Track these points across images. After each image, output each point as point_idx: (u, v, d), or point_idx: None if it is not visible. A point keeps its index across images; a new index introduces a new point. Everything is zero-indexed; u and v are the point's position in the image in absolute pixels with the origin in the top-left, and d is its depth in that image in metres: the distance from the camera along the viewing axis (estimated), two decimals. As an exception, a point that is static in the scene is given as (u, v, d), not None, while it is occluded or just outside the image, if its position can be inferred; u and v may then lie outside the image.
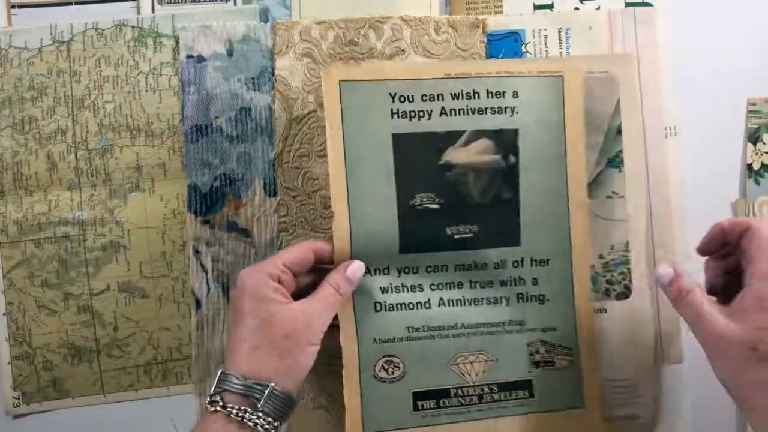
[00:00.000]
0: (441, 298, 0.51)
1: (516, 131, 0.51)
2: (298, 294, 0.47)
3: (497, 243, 0.51)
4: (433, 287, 0.51)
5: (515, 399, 0.52)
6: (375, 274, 0.50)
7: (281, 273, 0.46)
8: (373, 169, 0.50)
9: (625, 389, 0.55)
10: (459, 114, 0.50)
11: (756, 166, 0.58)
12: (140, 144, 0.55)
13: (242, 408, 0.43)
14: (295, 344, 0.45)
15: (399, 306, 0.51)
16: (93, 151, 0.55)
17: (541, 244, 0.52)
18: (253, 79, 0.55)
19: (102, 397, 0.56)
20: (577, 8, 0.58)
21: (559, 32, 0.57)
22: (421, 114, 0.50)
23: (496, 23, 0.56)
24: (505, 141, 0.51)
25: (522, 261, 0.52)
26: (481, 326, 0.52)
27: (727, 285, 0.47)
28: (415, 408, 0.51)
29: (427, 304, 0.51)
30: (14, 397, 0.55)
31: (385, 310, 0.51)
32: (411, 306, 0.51)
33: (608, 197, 0.55)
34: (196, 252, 0.55)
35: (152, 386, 0.56)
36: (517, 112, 0.51)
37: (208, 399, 0.44)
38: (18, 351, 0.55)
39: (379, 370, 0.51)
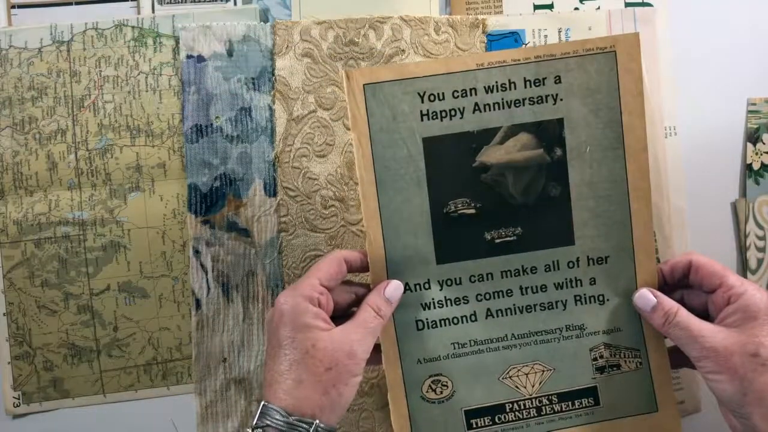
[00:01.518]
0: (488, 309, 0.48)
1: (560, 120, 0.46)
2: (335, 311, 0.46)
3: (547, 244, 0.48)
4: (479, 298, 0.48)
5: (579, 408, 0.49)
6: (415, 290, 0.48)
7: (319, 295, 0.44)
8: (404, 177, 0.47)
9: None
10: (494, 108, 0.46)
11: (756, 166, 0.58)
12: (140, 144, 0.55)
13: None
14: (338, 377, 0.42)
15: (443, 322, 0.48)
16: (93, 151, 0.55)
17: (599, 241, 0.47)
18: (253, 79, 0.55)
19: (102, 397, 0.56)
20: (577, 8, 0.58)
21: (559, 32, 0.57)
22: (453, 113, 0.46)
23: (496, 23, 0.56)
24: (549, 133, 0.46)
25: (578, 261, 0.48)
26: (534, 335, 0.48)
27: None
28: (469, 426, 0.49)
29: (473, 317, 0.48)
30: (14, 397, 0.55)
31: (428, 327, 0.48)
32: (456, 321, 0.48)
33: None
34: (196, 252, 0.55)
35: (152, 386, 0.56)
36: (561, 99, 0.46)
37: (251, 429, 0.42)
38: (18, 351, 0.55)
39: (427, 391, 0.49)
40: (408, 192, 0.47)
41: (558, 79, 0.46)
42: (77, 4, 0.56)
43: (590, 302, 0.48)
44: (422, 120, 0.46)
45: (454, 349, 0.48)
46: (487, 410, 0.49)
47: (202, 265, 0.55)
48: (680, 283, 0.48)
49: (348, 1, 0.56)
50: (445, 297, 0.48)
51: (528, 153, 0.47)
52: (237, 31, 0.55)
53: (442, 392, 0.49)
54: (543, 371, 0.49)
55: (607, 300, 0.48)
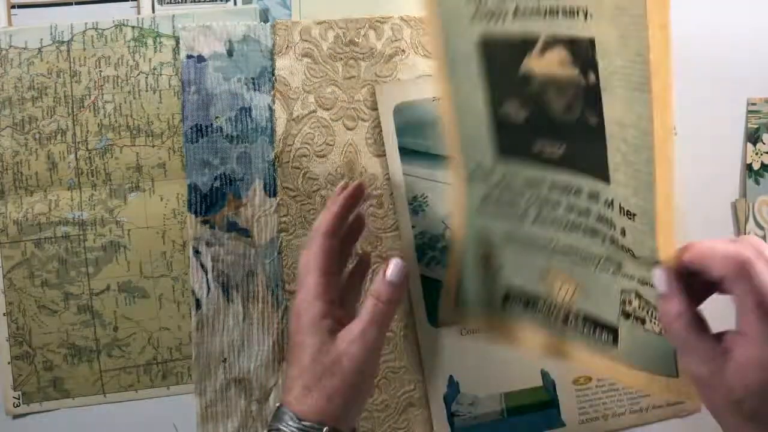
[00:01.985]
0: (538, 213, 0.48)
1: (592, 42, 0.40)
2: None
3: (588, 171, 0.44)
4: (529, 200, 0.48)
5: (599, 338, 0.47)
6: (482, 179, 0.50)
7: (326, 285, 0.43)
8: (467, 71, 0.47)
9: None
10: (532, 14, 0.42)
11: (756, 166, 0.58)
12: (140, 144, 0.55)
13: None
14: (342, 382, 0.41)
15: (498, 215, 0.50)
16: (93, 151, 0.55)
17: (628, 192, 0.42)
18: (253, 79, 0.55)
19: (102, 397, 0.56)
20: (577, 8, 0.57)
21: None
22: (498, 14, 0.44)
23: (496, 23, 0.56)
24: (582, 53, 0.41)
25: (613, 203, 0.43)
26: (577, 252, 0.47)
27: None
28: (504, 301, 0.51)
29: (523, 216, 0.49)
30: (14, 397, 0.55)
31: (487, 215, 0.50)
32: (509, 216, 0.49)
33: None
34: (196, 252, 0.55)
35: (152, 386, 0.56)
36: (591, 15, 0.40)
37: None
38: (18, 351, 0.55)
39: (480, 259, 0.51)
40: (470, 84, 0.47)
41: None
42: (77, 4, 0.56)
43: (624, 251, 0.44)
44: (475, 18, 0.45)
45: (506, 238, 0.50)
46: (524, 296, 0.50)
47: (202, 265, 0.55)
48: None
49: (348, 1, 0.56)
50: (499, 196, 0.49)
51: (565, 71, 0.43)
52: (237, 31, 0.55)
53: (492, 266, 0.51)
54: (576, 285, 0.48)
55: (636, 258, 0.43)
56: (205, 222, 0.55)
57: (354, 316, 0.43)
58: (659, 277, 0.40)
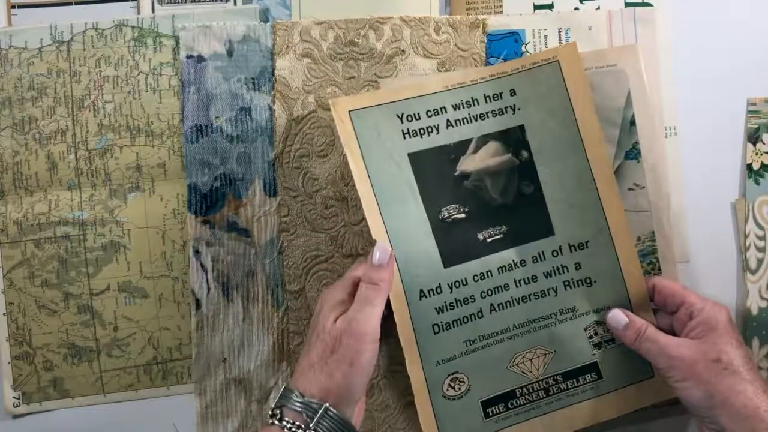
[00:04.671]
0: (491, 304, 0.51)
1: (521, 127, 0.52)
2: None
3: (531, 237, 0.52)
4: (483, 295, 0.51)
5: (584, 384, 0.52)
6: (429, 295, 0.51)
7: (352, 287, 0.48)
8: (399, 190, 0.51)
9: None
10: (463, 123, 0.52)
11: (756, 166, 0.58)
12: (140, 144, 0.55)
13: (296, 424, 0.43)
14: (341, 360, 0.44)
15: (455, 323, 0.51)
16: (93, 151, 0.55)
17: (576, 228, 0.52)
18: (253, 79, 0.55)
19: (102, 397, 0.56)
20: (577, 8, 0.58)
21: (559, 32, 0.57)
22: (429, 130, 0.52)
23: (496, 23, 0.56)
24: (513, 139, 0.52)
25: (560, 249, 0.52)
26: (533, 322, 0.52)
27: None
28: (486, 416, 0.52)
29: (479, 314, 0.51)
30: (14, 397, 0.55)
31: (443, 330, 0.51)
32: (465, 320, 0.51)
33: (630, 189, 0.55)
34: (196, 252, 0.55)
35: (152, 386, 0.56)
36: (519, 109, 0.52)
37: (270, 411, 0.44)
38: (18, 351, 0.55)
39: (447, 389, 0.51)
40: (406, 203, 0.51)
41: (513, 92, 0.52)
42: (77, 4, 0.56)
43: (578, 285, 0.52)
44: (405, 138, 0.51)
45: (467, 346, 0.52)
46: (501, 398, 0.52)
47: (202, 265, 0.55)
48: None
49: (348, 1, 0.56)
50: (455, 299, 0.51)
51: (498, 158, 0.52)
52: (237, 31, 0.55)
53: (460, 388, 0.52)
54: (545, 354, 0.52)
55: (595, 281, 0.52)
56: (205, 222, 0.55)
57: None
58: (616, 315, 0.51)
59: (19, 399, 0.55)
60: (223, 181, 0.55)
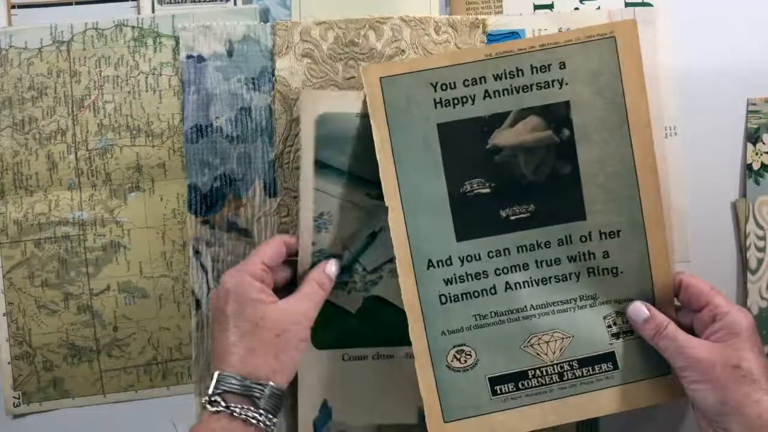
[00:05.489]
0: (507, 282, 0.50)
1: (567, 103, 0.50)
2: (275, 289, 0.49)
3: (560, 219, 0.50)
4: (497, 272, 0.50)
5: (599, 373, 0.51)
6: (437, 266, 0.50)
7: (263, 272, 0.48)
8: (422, 161, 0.50)
9: None
10: (503, 94, 0.49)
11: (756, 166, 0.58)
12: (140, 144, 0.55)
13: (245, 407, 0.44)
14: (288, 343, 0.46)
15: (464, 296, 0.50)
16: (93, 151, 0.55)
17: (610, 215, 0.50)
18: (253, 79, 0.55)
19: (102, 397, 0.56)
20: (577, 8, 0.58)
21: (559, 32, 0.57)
22: (464, 100, 0.49)
23: (496, 23, 0.56)
24: (556, 115, 0.50)
25: (590, 235, 0.50)
26: (551, 305, 0.51)
27: None
28: (494, 393, 0.51)
29: (492, 290, 0.50)
30: (14, 397, 0.55)
31: (451, 301, 0.50)
32: (476, 294, 0.50)
33: None
34: (196, 252, 0.55)
35: (152, 386, 0.56)
36: (566, 84, 0.49)
37: (207, 399, 0.44)
38: (18, 351, 0.55)
39: (452, 360, 0.50)
40: (425, 172, 0.50)
41: (563, 65, 0.49)
42: (77, 4, 0.56)
43: (603, 274, 0.51)
44: (436, 107, 0.49)
45: (477, 320, 0.51)
46: (511, 377, 0.51)
47: (202, 265, 0.55)
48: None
49: (348, 1, 0.56)
50: (466, 272, 0.50)
51: (538, 134, 0.50)
52: (237, 31, 0.55)
53: (466, 361, 0.51)
54: (562, 339, 0.51)
55: (621, 272, 0.51)
56: (205, 222, 0.55)
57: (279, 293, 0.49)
58: (637, 308, 0.50)
59: (19, 399, 0.55)
60: (223, 182, 0.55)
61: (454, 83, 0.49)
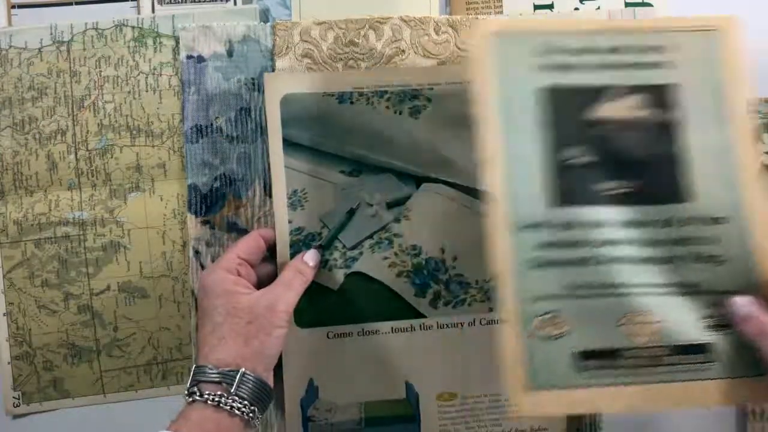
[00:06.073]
0: (604, 255, 0.49)
1: (675, 86, 0.50)
2: (261, 286, 0.49)
3: (662, 200, 0.49)
4: (595, 244, 0.49)
5: (693, 363, 0.48)
6: (532, 230, 0.48)
7: (238, 266, 0.48)
8: (522, 124, 0.49)
9: None
10: (615, 68, 0.49)
11: (756, 167, 0.58)
12: (140, 144, 0.55)
13: (218, 393, 0.44)
14: (259, 328, 0.46)
15: (558, 263, 0.49)
16: (93, 151, 0.55)
17: (714, 201, 0.49)
18: (253, 79, 0.55)
19: (102, 397, 0.56)
20: (577, 8, 0.58)
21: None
22: (575, 67, 0.49)
23: (496, 23, 0.56)
24: (664, 96, 0.50)
25: (695, 219, 0.49)
26: (650, 286, 0.48)
27: None
28: (580, 368, 0.48)
29: (589, 261, 0.49)
30: (14, 397, 0.55)
31: (543, 267, 0.48)
32: (571, 263, 0.49)
33: None
34: (196, 252, 0.55)
35: (152, 386, 0.56)
36: (675, 67, 0.50)
37: (186, 392, 0.45)
38: (18, 351, 0.55)
39: (539, 328, 0.48)
40: (526, 137, 0.49)
41: (673, 48, 0.50)
42: (77, 4, 0.56)
43: (706, 261, 0.49)
44: (543, 71, 0.49)
45: (570, 290, 0.49)
46: (600, 354, 0.49)
47: (202, 266, 0.55)
48: None
49: (348, 1, 0.56)
50: (561, 239, 0.49)
51: (644, 112, 0.49)
52: (237, 31, 0.55)
53: (555, 330, 0.49)
54: (659, 322, 0.49)
55: (724, 261, 0.49)
56: (205, 222, 0.55)
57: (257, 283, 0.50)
58: (738, 305, 0.47)
59: (19, 399, 0.55)
60: (223, 182, 0.55)
61: (568, 49, 0.49)
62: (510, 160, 0.48)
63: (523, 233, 0.48)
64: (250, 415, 0.45)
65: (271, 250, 0.53)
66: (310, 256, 0.51)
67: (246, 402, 0.44)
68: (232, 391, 0.44)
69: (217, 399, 0.44)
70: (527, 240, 0.48)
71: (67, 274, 0.55)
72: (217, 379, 0.44)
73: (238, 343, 0.46)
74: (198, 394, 0.44)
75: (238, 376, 0.44)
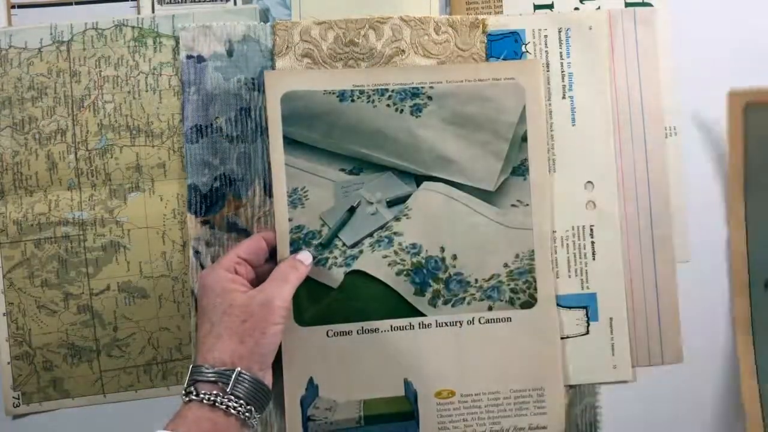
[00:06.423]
0: None
1: None
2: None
3: None
4: None
5: None
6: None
7: (236, 265, 0.49)
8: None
9: (529, 399, 0.55)
10: None
11: (756, 166, 0.58)
12: (140, 144, 0.55)
13: (214, 392, 0.44)
14: (254, 326, 0.46)
15: None
16: (93, 151, 0.55)
17: None
18: (253, 79, 0.55)
19: (102, 397, 0.56)
20: (577, 8, 0.58)
21: (559, 32, 0.57)
22: None
23: (496, 23, 0.56)
24: None
25: None
26: None
27: None
28: None
29: None
30: (14, 397, 0.55)
31: None
32: None
33: (513, 206, 0.54)
34: (196, 252, 0.55)
35: (152, 386, 0.56)
36: None
37: (183, 392, 0.45)
38: (18, 351, 0.55)
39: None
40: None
41: None
42: (77, 4, 0.56)
43: None
44: None
45: None
46: None
47: (202, 266, 0.55)
48: None
49: (348, 1, 0.56)
50: None
51: None
52: (237, 31, 0.55)
53: None
54: None
55: None
56: (205, 222, 0.55)
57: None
58: None
59: (19, 399, 0.55)
60: (222, 182, 0.55)
61: None
62: (761, 221, 0.52)
63: (767, 291, 0.52)
64: (247, 414, 0.45)
65: (272, 252, 0.53)
66: (304, 255, 0.52)
67: (242, 401, 0.45)
68: (227, 390, 0.44)
69: (212, 398, 0.44)
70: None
71: (67, 274, 0.55)
72: (213, 379, 0.45)
73: (234, 342, 0.46)
74: (194, 393, 0.44)
75: (233, 376, 0.45)
